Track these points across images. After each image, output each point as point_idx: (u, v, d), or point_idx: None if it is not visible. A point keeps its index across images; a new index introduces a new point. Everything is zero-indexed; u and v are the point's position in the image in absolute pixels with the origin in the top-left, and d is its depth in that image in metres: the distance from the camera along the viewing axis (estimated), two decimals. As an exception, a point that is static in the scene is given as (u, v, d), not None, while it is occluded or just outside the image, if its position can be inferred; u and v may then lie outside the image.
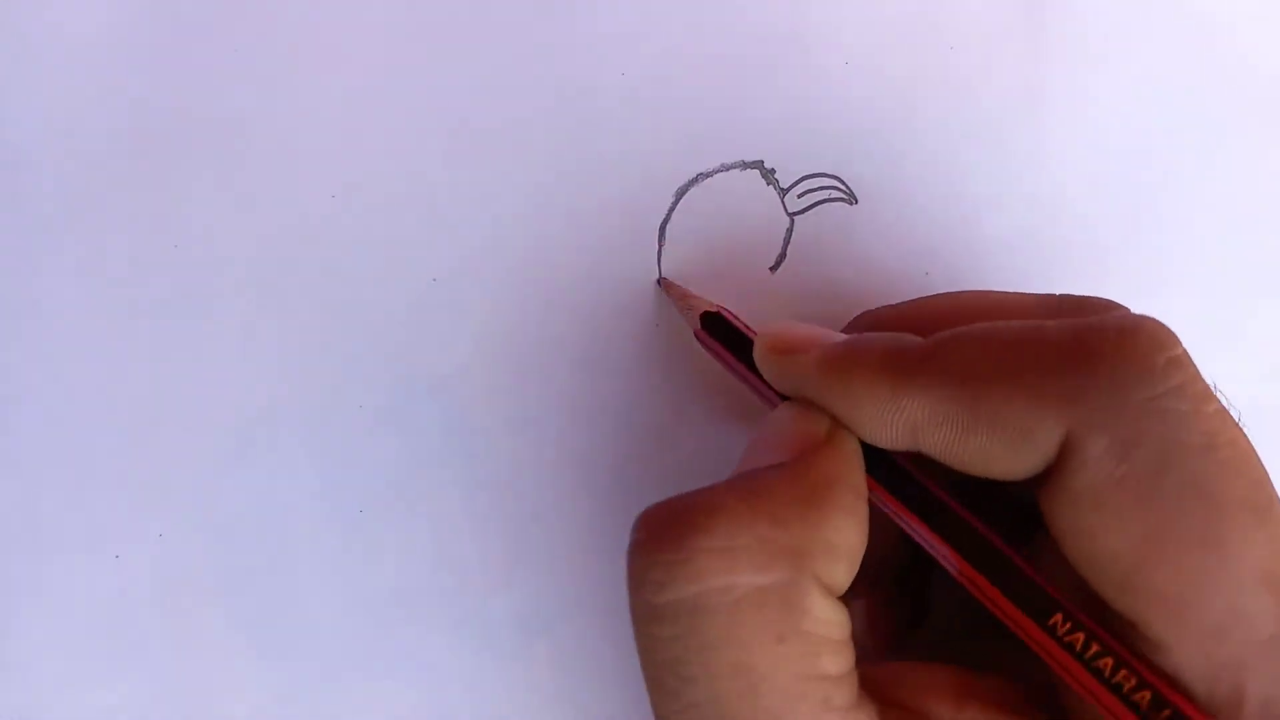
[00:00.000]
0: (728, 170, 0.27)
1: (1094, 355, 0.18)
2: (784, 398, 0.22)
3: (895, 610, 0.25)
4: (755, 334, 0.23)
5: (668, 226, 0.27)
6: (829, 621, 0.18)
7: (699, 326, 0.24)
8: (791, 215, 0.27)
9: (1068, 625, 0.18)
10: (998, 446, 0.18)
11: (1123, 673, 0.18)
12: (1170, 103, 0.28)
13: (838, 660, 0.18)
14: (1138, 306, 0.28)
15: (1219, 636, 0.17)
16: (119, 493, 0.26)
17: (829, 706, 0.18)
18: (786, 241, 0.27)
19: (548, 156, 0.27)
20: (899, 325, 0.22)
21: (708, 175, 0.27)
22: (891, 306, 0.24)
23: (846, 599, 0.19)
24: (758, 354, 0.22)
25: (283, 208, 0.26)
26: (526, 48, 0.27)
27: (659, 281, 0.27)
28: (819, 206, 0.27)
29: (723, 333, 0.24)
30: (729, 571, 0.18)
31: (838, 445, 0.20)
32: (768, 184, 0.27)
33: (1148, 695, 0.17)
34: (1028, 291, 0.23)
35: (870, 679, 0.19)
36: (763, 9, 0.27)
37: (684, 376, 0.27)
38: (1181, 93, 0.28)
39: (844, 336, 0.21)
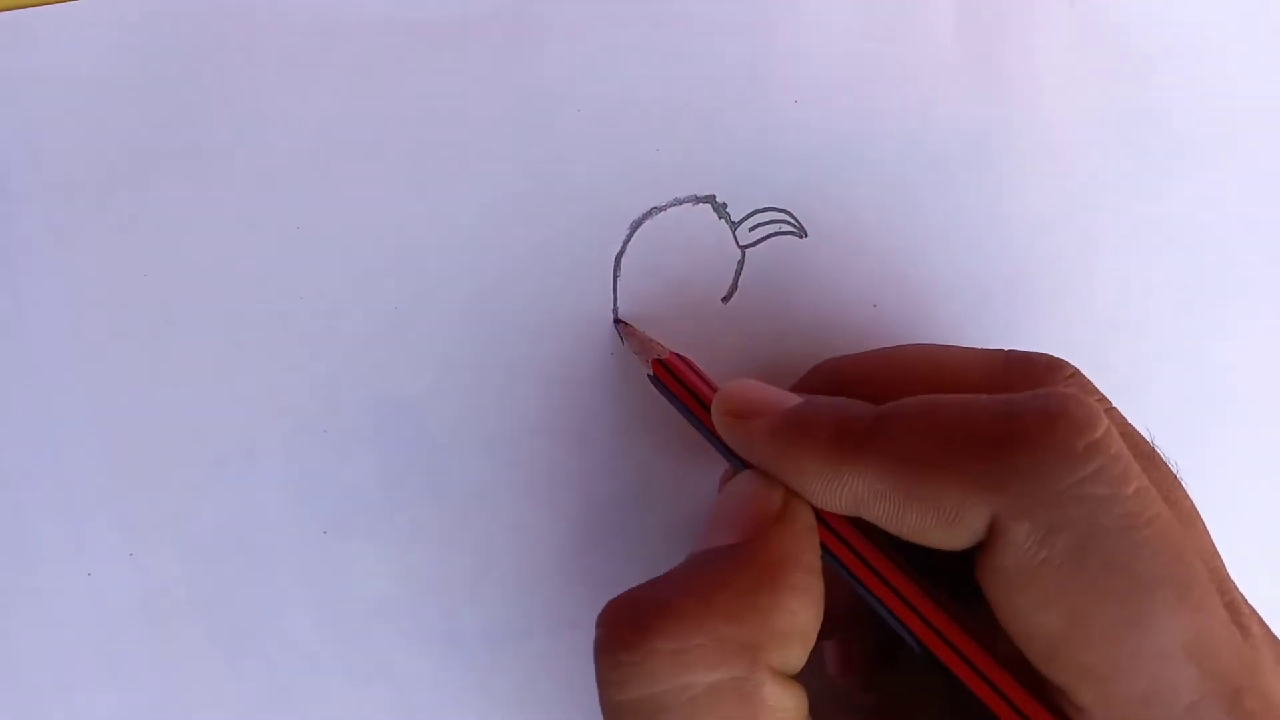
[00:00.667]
0: (680, 204, 0.28)
1: (1017, 442, 0.19)
2: (731, 454, 0.22)
3: (865, 647, 0.25)
4: (708, 382, 0.24)
5: (623, 257, 0.27)
6: (784, 709, 0.19)
7: (650, 373, 0.25)
8: (743, 248, 0.28)
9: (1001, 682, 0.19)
10: (931, 525, 0.19)
11: None
12: (1118, 135, 0.29)
13: None
14: (1088, 338, 0.29)
15: (1143, 705, 0.18)
16: (91, 514, 0.27)
17: None
18: (738, 274, 0.28)
19: (506, 189, 0.27)
20: (854, 378, 0.23)
21: (661, 209, 0.28)
22: (849, 357, 0.24)
23: (816, 645, 0.20)
24: (715, 416, 0.22)
25: (250, 239, 0.27)
26: (486, 84, 0.27)
27: (616, 323, 0.27)
28: (770, 240, 0.28)
29: (677, 380, 0.24)
30: (684, 672, 0.18)
31: (790, 522, 0.20)
32: (720, 217, 0.28)
33: None
34: (973, 347, 0.23)
35: None
36: (715, 48, 0.28)
37: (641, 399, 0.27)
38: (1130, 125, 0.29)
39: (797, 400, 0.21)
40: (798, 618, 0.19)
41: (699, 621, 0.19)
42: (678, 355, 0.25)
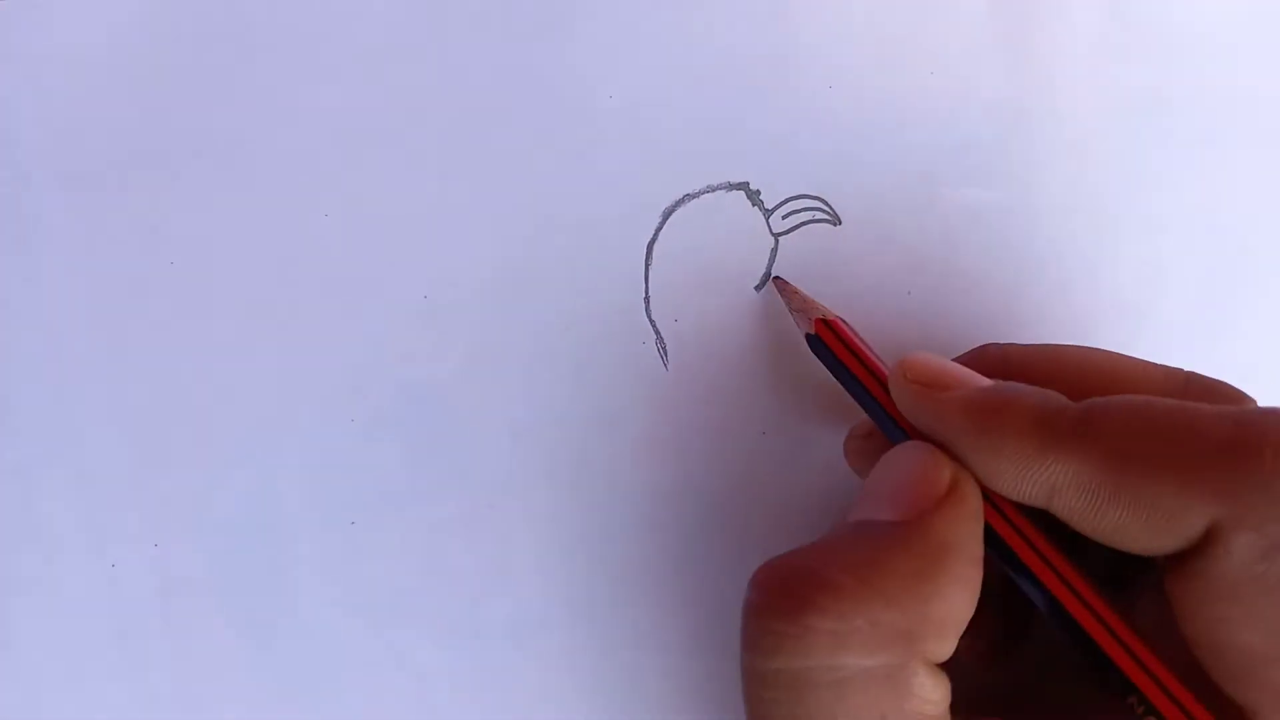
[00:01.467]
0: (714, 191, 0.27)
1: (1253, 452, 0.18)
2: (894, 423, 0.22)
3: (994, 625, 0.24)
4: (867, 349, 0.23)
5: (655, 245, 0.27)
6: (931, 700, 0.18)
7: (811, 333, 0.24)
8: (776, 236, 0.27)
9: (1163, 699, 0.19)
10: (1137, 524, 0.19)
11: None
12: (1146, 122, 0.29)
13: None
14: (1113, 324, 0.28)
15: None
16: (116, 503, 0.27)
17: None
18: (771, 261, 0.28)
19: (538, 176, 0.27)
20: (1025, 367, 0.22)
21: (694, 196, 0.27)
22: (1019, 347, 0.24)
23: None
24: (895, 380, 0.22)
25: (277, 225, 0.27)
26: (518, 71, 0.27)
27: (773, 279, 0.26)
28: (803, 227, 0.28)
29: (841, 342, 0.23)
30: (838, 652, 0.18)
31: (959, 504, 0.20)
32: (753, 205, 0.27)
33: None
34: (1151, 361, 0.22)
35: None
36: (748, 34, 0.28)
37: (669, 388, 0.27)
38: (1158, 113, 0.29)
39: (988, 381, 0.21)
40: (956, 608, 0.19)
41: (860, 602, 0.18)
42: (841, 319, 0.24)
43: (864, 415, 0.24)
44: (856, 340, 0.23)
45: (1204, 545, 0.18)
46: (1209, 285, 0.29)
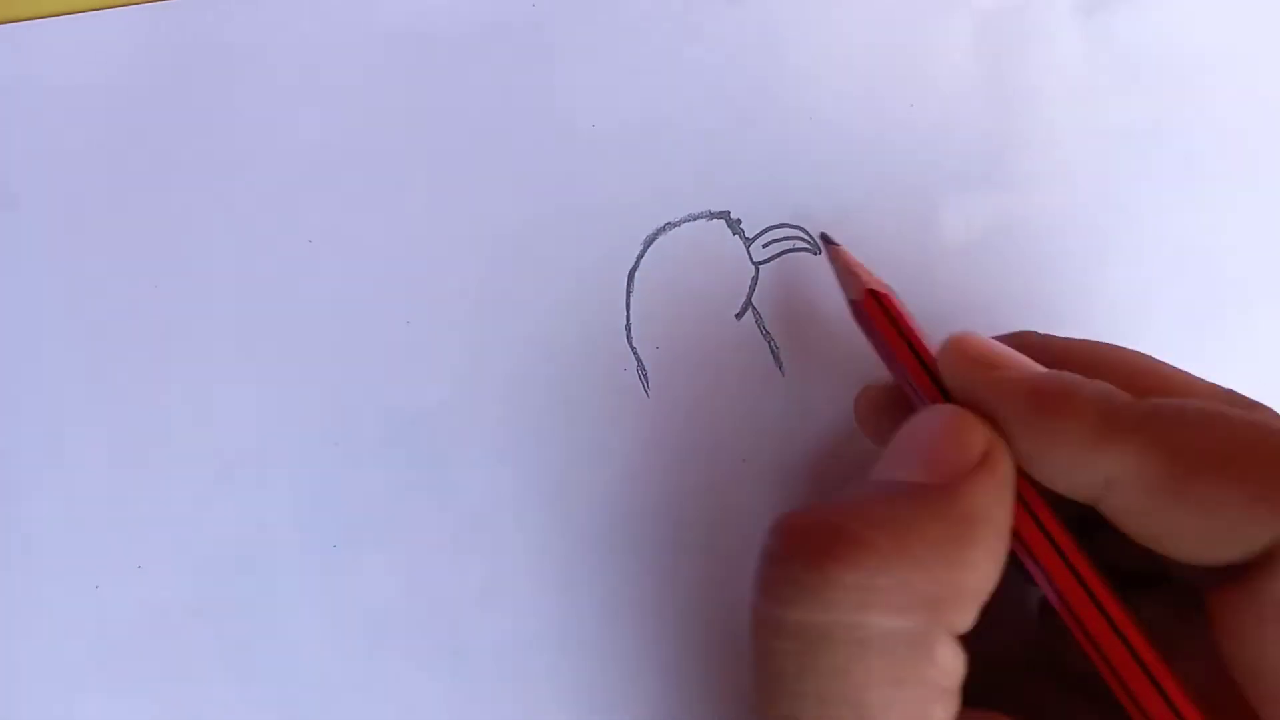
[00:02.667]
0: (695, 220, 0.28)
1: None
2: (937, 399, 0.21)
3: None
4: (914, 324, 0.22)
5: (636, 273, 0.27)
6: (949, 670, 0.18)
7: (860, 299, 0.23)
8: (756, 265, 0.28)
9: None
10: (1195, 530, 0.18)
11: None
12: (1131, 151, 0.29)
13: (947, 708, 0.18)
14: (1113, 338, 0.28)
15: None
16: (100, 525, 0.27)
17: None
18: (751, 290, 0.28)
19: (519, 203, 0.27)
20: (1068, 359, 0.21)
21: (675, 225, 0.28)
22: (1062, 340, 0.23)
23: None
24: (950, 353, 0.21)
25: (262, 252, 0.27)
26: (501, 99, 0.27)
27: (825, 241, 0.25)
28: (783, 256, 0.28)
29: (887, 314, 0.23)
30: (863, 610, 0.17)
31: (992, 472, 0.19)
32: (733, 234, 0.28)
33: None
34: (1181, 369, 0.22)
35: None
36: (730, 63, 0.28)
37: (650, 414, 0.27)
38: (1142, 141, 0.29)
39: (1044, 369, 0.20)
40: (983, 579, 0.18)
41: (889, 562, 0.17)
42: (889, 288, 0.24)
43: (852, 417, 0.24)
44: (904, 314, 0.23)
45: (1262, 562, 0.17)
46: (1195, 312, 0.29)
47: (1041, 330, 0.24)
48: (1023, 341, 0.23)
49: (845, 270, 0.24)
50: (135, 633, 0.27)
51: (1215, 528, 0.18)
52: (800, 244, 0.28)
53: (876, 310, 0.23)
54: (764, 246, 0.28)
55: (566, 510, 0.27)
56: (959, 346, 0.21)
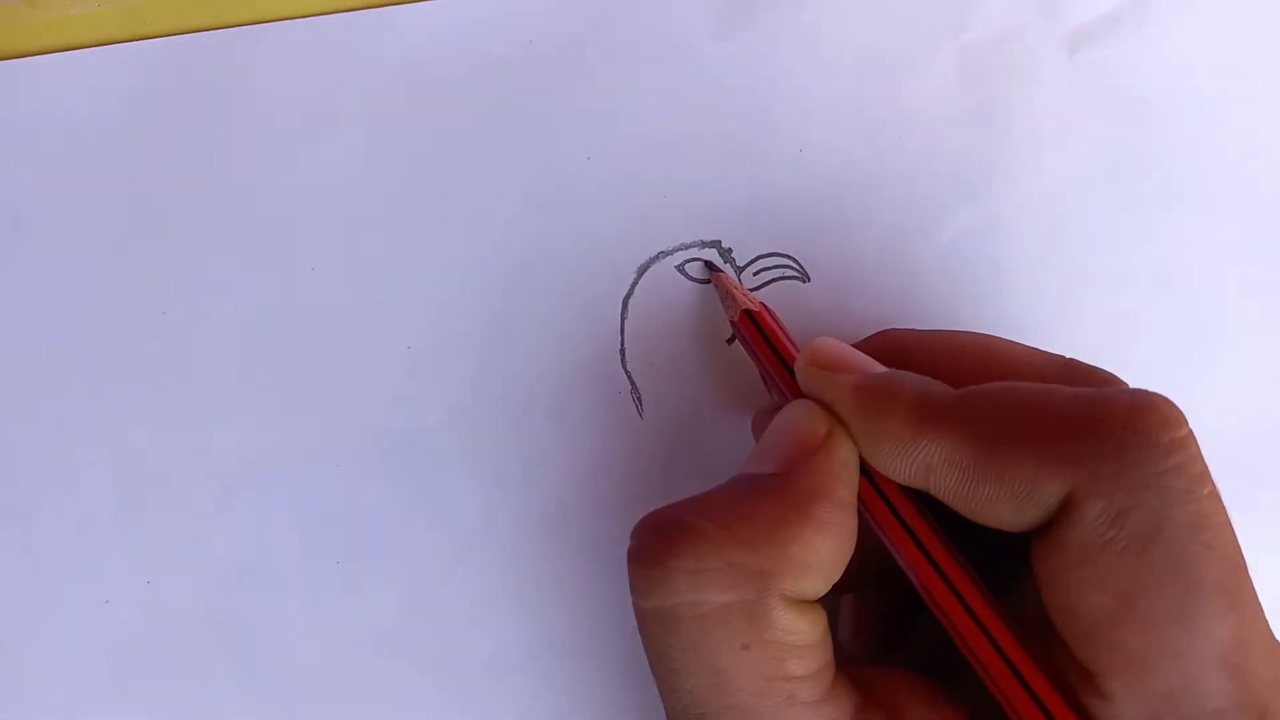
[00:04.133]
0: (687, 249, 0.28)
1: (1104, 425, 0.19)
2: None
3: (881, 614, 0.26)
4: (788, 339, 0.25)
5: (630, 300, 0.28)
6: (795, 630, 0.20)
7: (736, 319, 0.26)
8: (705, 264, 0.28)
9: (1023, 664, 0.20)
10: (1003, 498, 0.20)
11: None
12: (1113, 181, 0.29)
13: (804, 662, 0.20)
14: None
15: (1169, 702, 0.18)
16: (110, 542, 0.28)
17: (794, 701, 0.20)
18: (742, 316, 0.28)
19: (517, 232, 0.28)
20: (920, 352, 0.24)
21: (668, 253, 0.28)
22: (913, 331, 0.25)
23: (832, 597, 0.21)
24: (800, 363, 0.23)
25: (266, 279, 0.28)
26: (496, 130, 0.28)
27: (708, 265, 0.28)
28: (773, 284, 0.28)
29: (761, 333, 0.25)
30: (697, 590, 0.20)
31: (829, 454, 0.21)
32: (725, 262, 0.28)
33: None
34: (1034, 347, 0.24)
35: (852, 676, 0.21)
36: (723, 96, 0.28)
37: (644, 436, 0.28)
38: (1125, 171, 0.29)
39: (883, 368, 0.22)
40: (818, 551, 0.20)
41: (717, 546, 0.20)
42: (765, 307, 0.26)
43: None
44: (775, 329, 0.25)
45: (1061, 514, 0.19)
46: (1175, 340, 0.30)
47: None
48: (884, 339, 0.25)
49: (725, 294, 0.27)
50: (144, 646, 0.28)
51: (1017, 494, 0.19)
52: (790, 272, 0.28)
53: (750, 328, 0.25)
54: (754, 274, 0.28)
55: (562, 529, 0.28)
56: (808, 353, 0.23)
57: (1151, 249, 0.29)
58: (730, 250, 0.28)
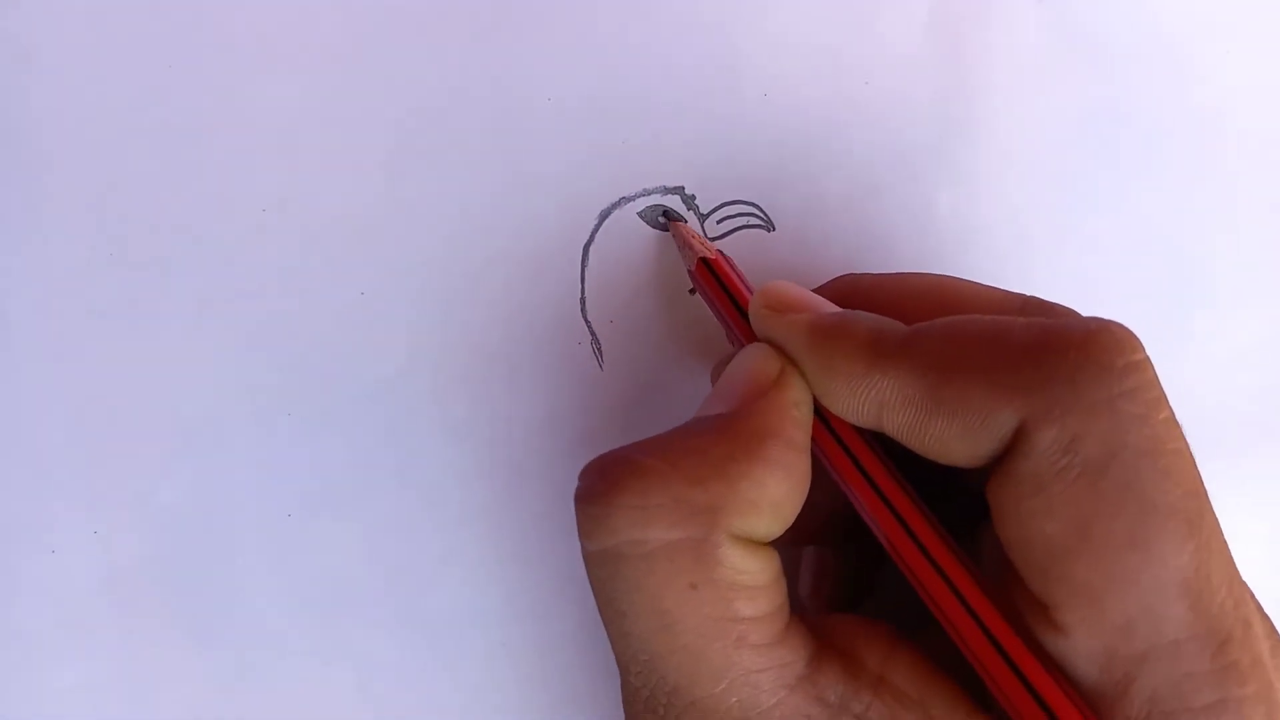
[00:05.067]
0: (649, 195, 0.28)
1: (1055, 353, 0.19)
2: None
3: (839, 573, 0.25)
4: (747, 287, 0.24)
5: (591, 247, 0.28)
6: (745, 570, 0.19)
7: (693, 268, 0.25)
8: (711, 240, 0.28)
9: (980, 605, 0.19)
10: (956, 432, 0.19)
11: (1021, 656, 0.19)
12: (1087, 133, 0.29)
13: (755, 603, 0.19)
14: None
15: (1125, 632, 0.18)
16: (56, 490, 0.27)
17: (743, 643, 0.19)
18: (705, 265, 0.28)
19: (476, 176, 0.27)
20: (877, 294, 0.23)
21: (630, 199, 0.28)
22: (870, 275, 0.25)
23: (790, 547, 0.21)
24: (753, 306, 0.23)
25: (217, 220, 0.27)
26: (458, 72, 0.27)
27: (664, 214, 0.27)
28: (737, 233, 0.28)
29: (717, 279, 0.25)
30: (641, 527, 0.19)
31: (780, 393, 0.21)
32: (688, 209, 0.28)
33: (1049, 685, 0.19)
34: (992, 286, 0.24)
35: (808, 624, 0.21)
36: (687, 40, 0.28)
37: (604, 388, 0.28)
38: (1099, 123, 0.29)
39: (836, 309, 0.22)
40: (767, 489, 0.20)
41: (663, 482, 0.19)
42: (722, 255, 0.25)
43: None
44: (732, 276, 0.25)
45: (1014, 445, 0.19)
46: (1148, 299, 0.29)
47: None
48: (841, 283, 0.25)
49: (683, 243, 0.26)
50: (91, 598, 0.27)
51: (969, 425, 0.19)
52: (755, 220, 0.28)
53: (707, 276, 0.25)
54: (718, 223, 0.28)
55: (521, 481, 0.28)
56: (761, 295, 0.23)
57: (1123, 206, 0.29)
58: (694, 197, 0.28)
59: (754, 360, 0.22)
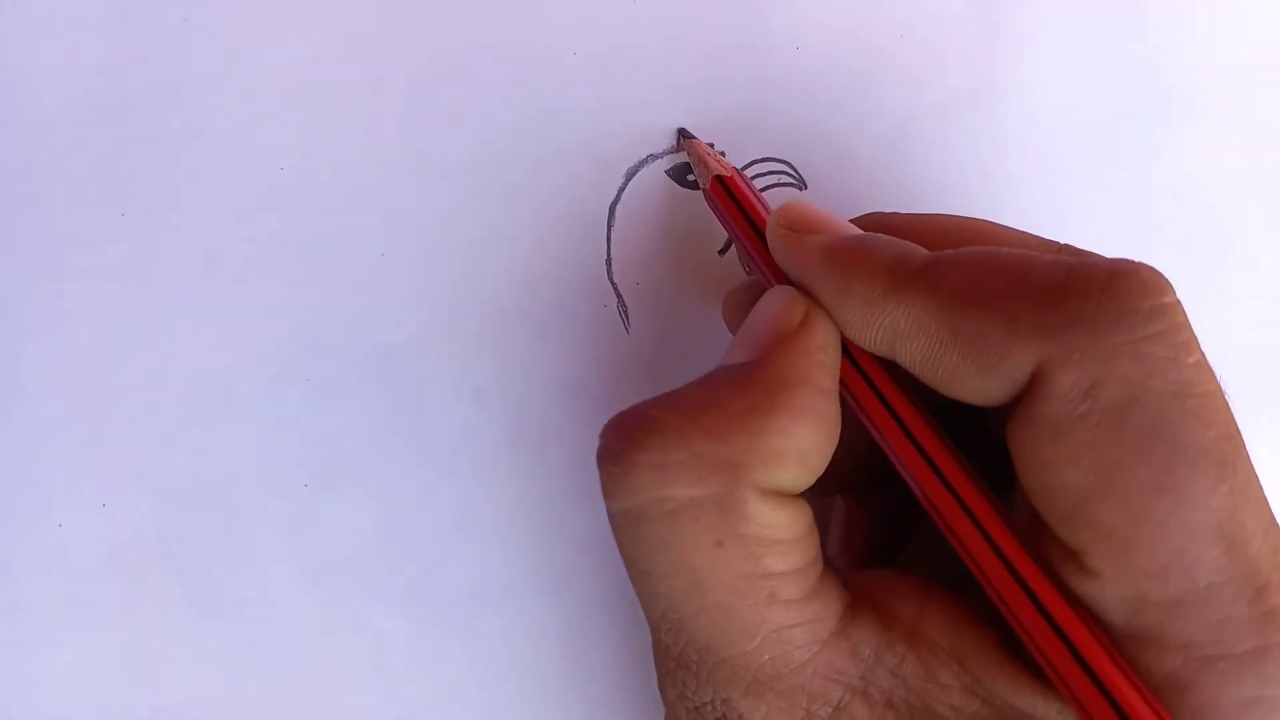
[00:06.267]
0: (678, 153, 0.27)
1: (1079, 293, 0.18)
2: (770, 275, 0.22)
3: (872, 526, 0.25)
4: (762, 205, 0.23)
5: (618, 206, 0.27)
6: (773, 524, 0.19)
7: (708, 186, 0.24)
8: (677, 131, 0.27)
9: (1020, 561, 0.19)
10: (970, 367, 0.19)
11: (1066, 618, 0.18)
12: (1119, 89, 0.29)
13: (785, 558, 0.19)
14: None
15: (1158, 578, 0.17)
16: (63, 462, 0.26)
17: (775, 599, 0.19)
18: (735, 224, 0.27)
19: (500, 134, 0.27)
20: (905, 231, 0.22)
21: (658, 157, 0.27)
22: (900, 215, 0.24)
23: (822, 498, 0.20)
24: (771, 225, 0.22)
25: (233, 180, 0.26)
26: (481, 28, 0.27)
27: (679, 132, 0.27)
28: (768, 191, 0.27)
29: (733, 198, 0.24)
30: (663, 485, 0.19)
31: (804, 339, 0.20)
32: (718, 167, 0.27)
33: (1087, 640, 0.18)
34: (1029, 232, 0.23)
35: (839, 578, 0.20)
36: (716, -7, 0.27)
37: (631, 351, 0.27)
38: (1130, 80, 0.29)
39: (857, 231, 0.21)
40: (793, 439, 0.19)
41: (683, 437, 0.19)
42: (739, 173, 0.24)
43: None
44: (748, 194, 0.24)
45: (1033, 387, 0.18)
46: (1177, 261, 0.29)
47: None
48: (868, 220, 0.24)
49: (697, 160, 0.25)
50: (99, 571, 0.26)
51: (986, 361, 0.18)
52: (786, 178, 0.27)
53: (722, 195, 0.24)
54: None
55: (544, 448, 0.27)
56: (779, 214, 0.22)
57: (1157, 166, 0.29)
58: (724, 154, 0.27)
59: (777, 304, 0.21)
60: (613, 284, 0.27)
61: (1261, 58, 0.29)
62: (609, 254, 0.27)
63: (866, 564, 0.25)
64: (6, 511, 0.26)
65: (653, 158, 0.27)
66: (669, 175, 0.27)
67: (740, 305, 0.24)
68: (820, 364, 0.20)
